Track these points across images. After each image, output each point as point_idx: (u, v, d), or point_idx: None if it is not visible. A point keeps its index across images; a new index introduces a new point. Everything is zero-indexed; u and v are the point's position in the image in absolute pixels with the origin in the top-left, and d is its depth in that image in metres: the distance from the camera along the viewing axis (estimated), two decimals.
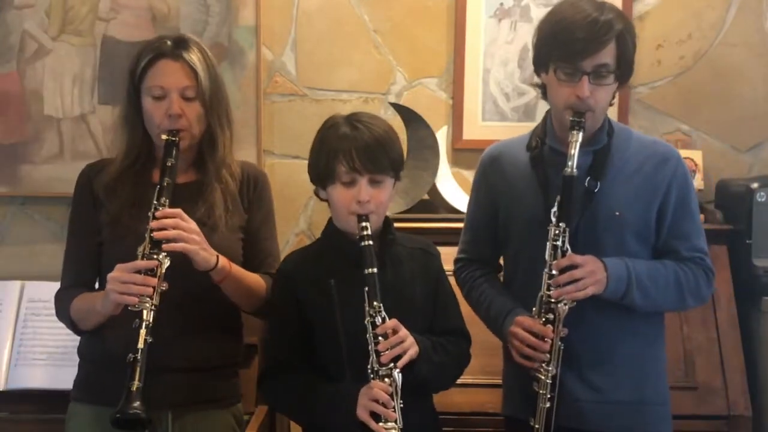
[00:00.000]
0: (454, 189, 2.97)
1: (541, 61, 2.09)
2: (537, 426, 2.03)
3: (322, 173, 1.99)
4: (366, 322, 1.89)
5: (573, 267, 2.00)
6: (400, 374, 1.88)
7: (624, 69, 2.04)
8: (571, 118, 2.02)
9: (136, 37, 3.01)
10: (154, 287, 1.91)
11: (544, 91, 2.14)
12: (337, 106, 3.12)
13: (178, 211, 1.99)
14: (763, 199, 2.75)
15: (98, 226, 2.12)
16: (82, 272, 2.16)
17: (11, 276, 2.91)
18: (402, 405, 1.87)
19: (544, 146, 2.14)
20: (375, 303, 1.89)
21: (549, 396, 2.01)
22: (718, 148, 3.10)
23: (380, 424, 1.85)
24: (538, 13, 3.06)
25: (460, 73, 3.09)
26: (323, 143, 2.00)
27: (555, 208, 2.02)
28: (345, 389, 1.92)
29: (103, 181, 2.13)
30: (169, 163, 2.02)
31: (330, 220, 2.08)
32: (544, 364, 2.00)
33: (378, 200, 1.96)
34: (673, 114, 3.12)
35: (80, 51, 3.10)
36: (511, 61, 3.09)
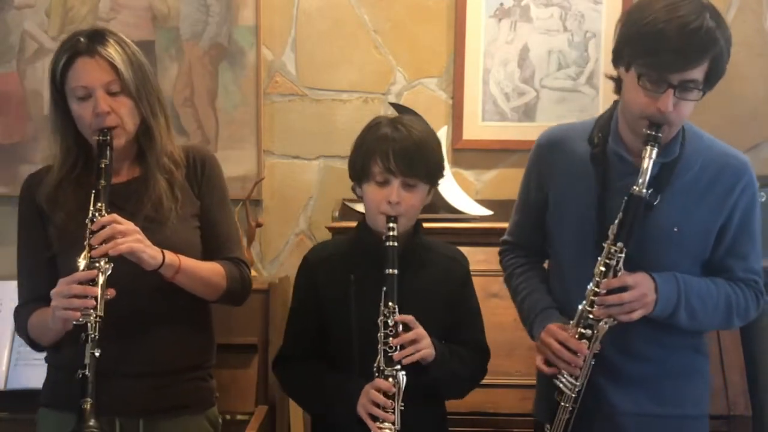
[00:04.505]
0: (454, 189, 2.96)
1: (621, 58, 1.89)
2: None
3: (358, 171, 2.02)
4: (379, 321, 1.90)
5: (623, 289, 1.88)
6: (404, 376, 1.89)
7: (713, 82, 1.87)
8: (647, 131, 1.85)
9: (136, 37, 2.98)
10: (96, 297, 1.84)
11: (618, 85, 1.95)
12: (337, 106, 3.12)
13: (113, 216, 1.92)
14: (764, 199, 2.74)
15: (48, 240, 2.06)
16: (37, 286, 2.08)
17: (11, 276, 2.89)
18: (403, 407, 1.88)
19: (607, 145, 1.98)
20: (390, 304, 1.90)
21: (570, 408, 1.94)
22: None
23: (377, 423, 1.86)
24: (538, 13, 3.07)
25: (460, 73, 3.09)
26: (363, 141, 2.02)
27: (615, 226, 1.88)
28: (350, 384, 1.94)
29: (44, 192, 2.06)
30: (102, 165, 1.95)
31: (364, 217, 2.10)
32: (572, 378, 1.93)
33: (409, 203, 1.98)
34: None
35: None
36: (511, 61, 3.09)
